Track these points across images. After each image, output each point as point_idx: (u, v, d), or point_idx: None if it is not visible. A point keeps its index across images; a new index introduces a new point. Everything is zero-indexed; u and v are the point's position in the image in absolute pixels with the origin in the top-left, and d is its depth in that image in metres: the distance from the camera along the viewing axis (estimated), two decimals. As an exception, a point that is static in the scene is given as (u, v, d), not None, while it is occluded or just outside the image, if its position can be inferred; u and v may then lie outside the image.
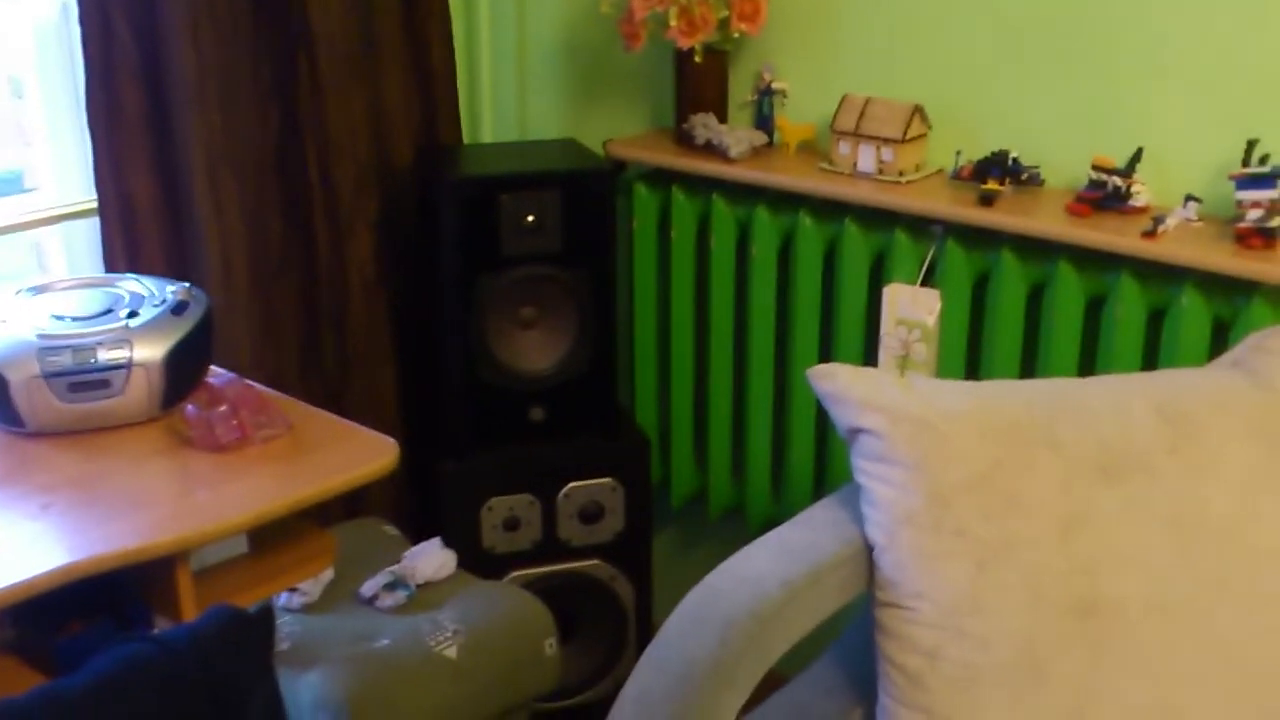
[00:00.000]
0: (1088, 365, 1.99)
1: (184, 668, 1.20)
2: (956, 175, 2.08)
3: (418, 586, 2.11)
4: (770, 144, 2.32)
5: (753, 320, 2.31)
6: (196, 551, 1.56)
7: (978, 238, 2.04)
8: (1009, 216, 1.96)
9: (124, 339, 1.68)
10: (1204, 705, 1.51)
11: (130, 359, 1.67)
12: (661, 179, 2.39)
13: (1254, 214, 1.80)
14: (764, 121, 2.33)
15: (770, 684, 1.61)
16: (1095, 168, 1.96)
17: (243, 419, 1.65)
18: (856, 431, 1.60)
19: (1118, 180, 1.93)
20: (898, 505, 1.55)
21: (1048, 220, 1.93)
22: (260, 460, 1.63)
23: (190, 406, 1.67)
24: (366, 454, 1.66)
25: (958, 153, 2.10)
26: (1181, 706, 1.51)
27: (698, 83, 2.33)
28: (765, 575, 1.52)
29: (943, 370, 2.09)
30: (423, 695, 1.89)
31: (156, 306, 1.74)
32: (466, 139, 2.64)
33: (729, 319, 2.36)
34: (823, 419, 2.27)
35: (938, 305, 2.06)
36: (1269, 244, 1.79)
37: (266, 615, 1.31)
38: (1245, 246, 1.79)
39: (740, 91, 2.38)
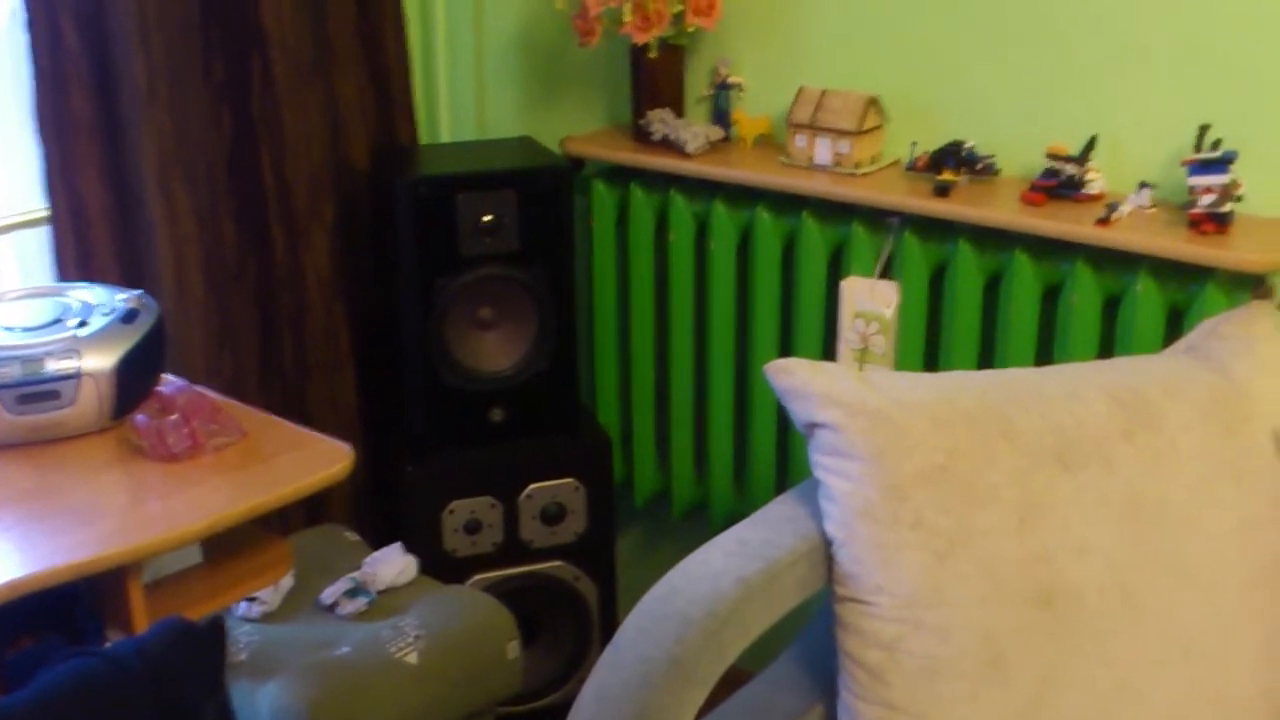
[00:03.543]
0: (1045, 353, 1.99)
1: (131, 682, 1.18)
2: (912, 166, 2.08)
3: (379, 593, 2.10)
4: (727, 138, 2.31)
5: (713, 316, 2.31)
6: (150, 563, 1.54)
7: (934, 229, 2.04)
8: (965, 207, 1.96)
9: (73, 349, 1.66)
10: (1164, 689, 1.51)
11: (79, 369, 1.65)
12: (619, 176, 2.38)
13: (1206, 199, 1.80)
14: (721, 116, 2.33)
15: (734, 681, 1.60)
16: (1050, 156, 1.96)
17: (195, 427, 1.63)
18: (814, 426, 1.59)
19: (1072, 168, 1.94)
20: (855, 499, 1.54)
21: (1003, 210, 1.93)
22: (213, 469, 1.61)
23: (141, 416, 1.65)
24: (321, 460, 1.64)
25: (913, 144, 2.10)
26: (1142, 691, 1.51)
27: (654, 78, 2.32)
28: (722, 573, 1.51)
29: (902, 362, 2.09)
30: (385, 702, 1.88)
31: (106, 315, 1.72)
32: (423, 139, 2.62)
33: (689, 315, 2.36)
34: (784, 414, 2.27)
35: (896, 297, 2.06)
36: (1222, 229, 1.79)
37: (216, 627, 1.29)
38: (1199, 232, 1.80)
39: (697, 86, 2.37)
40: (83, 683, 1.17)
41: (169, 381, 1.76)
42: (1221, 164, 1.80)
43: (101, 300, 1.76)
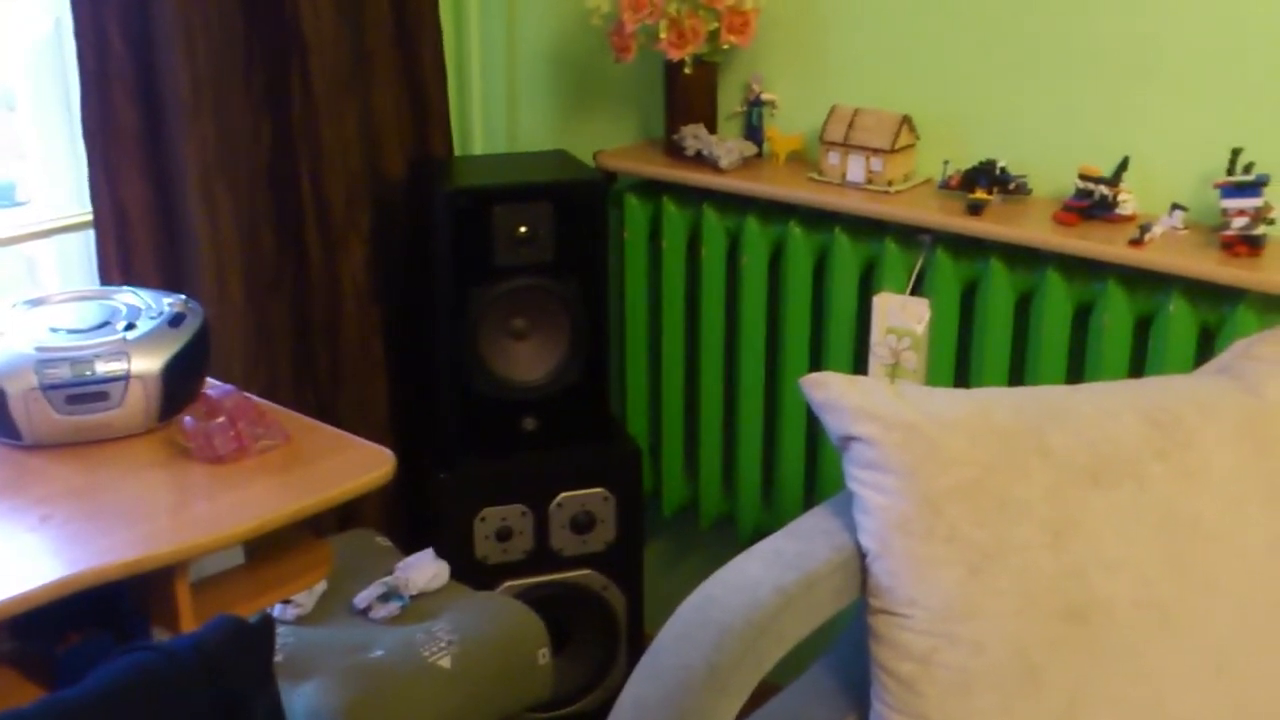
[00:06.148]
0: (1076, 372, 2.01)
1: (189, 677, 1.21)
2: (945, 185, 2.10)
3: (411, 597, 2.12)
4: (760, 154, 2.34)
5: (743, 330, 2.33)
6: (194, 562, 1.57)
7: (966, 247, 2.06)
8: (997, 226, 1.98)
9: (121, 351, 1.68)
10: (1196, 705, 1.53)
11: (128, 371, 1.68)
12: (652, 190, 2.40)
13: (1239, 222, 1.82)
14: (753, 132, 2.35)
15: (763, 693, 1.62)
16: (1082, 176, 1.98)
17: (240, 430, 1.66)
18: (849, 439, 1.61)
19: (1104, 189, 1.96)
20: (890, 512, 1.56)
21: (1035, 229, 1.95)
22: (258, 471, 1.64)
23: (188, 418, 1.68)
24: (363, 465, 1.66)
25: (945, 162, 2.12)
26: (1173, 707, 1.52)
27: (687, 94, 2.35)
28: (759, 583, 1.53)
29: (932, 378, 2.11)
30: (417, 705, 1.89)
31: (153, 319, 1.75)
32: (457, 151, 2.65)
33: (720, 328, 2.38)
34: (813, 427, 2.29)
35: (927, 314, 2.08)
36: (1254, 251, 1.81)
37: (267, 625, 1.32)
38: (1231, 254, 1.82)
39: (730, 102, 2.40)
40: (142, 675, 1.20)
41: (215, 385, 1.78)
42: (1255, 187, 1.82)
43: (148, 304, 1.79)
